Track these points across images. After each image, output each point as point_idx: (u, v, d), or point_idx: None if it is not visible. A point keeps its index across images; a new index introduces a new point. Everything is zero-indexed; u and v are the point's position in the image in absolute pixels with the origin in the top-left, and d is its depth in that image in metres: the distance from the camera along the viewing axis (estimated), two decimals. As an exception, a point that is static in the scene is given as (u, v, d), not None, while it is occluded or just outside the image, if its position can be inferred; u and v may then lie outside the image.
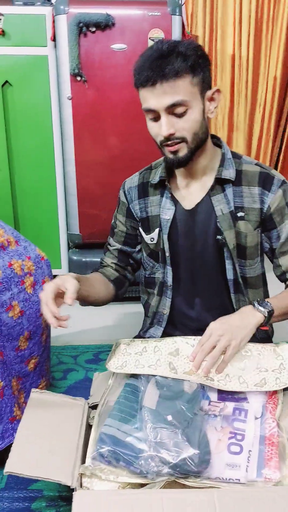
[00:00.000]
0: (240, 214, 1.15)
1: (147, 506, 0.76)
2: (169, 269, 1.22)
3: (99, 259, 1.34)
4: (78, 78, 2.06)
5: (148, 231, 1.23)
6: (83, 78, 2.05)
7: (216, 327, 1.01)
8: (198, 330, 1.21)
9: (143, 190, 1.23)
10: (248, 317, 1.04)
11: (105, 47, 2.03)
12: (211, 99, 1.08)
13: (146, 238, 1.24)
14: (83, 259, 2.22)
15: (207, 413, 0.94)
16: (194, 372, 0.98)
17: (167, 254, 1.20)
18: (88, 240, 2.25)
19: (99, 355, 1.73)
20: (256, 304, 1.06)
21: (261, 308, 1.05)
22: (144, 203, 1.23)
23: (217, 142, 1.19)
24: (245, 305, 1.16)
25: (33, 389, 1.00)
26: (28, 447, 0.87)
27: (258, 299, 1.08)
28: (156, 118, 1.04)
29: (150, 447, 0.84)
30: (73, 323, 1.96)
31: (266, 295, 1.28)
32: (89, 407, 0.99)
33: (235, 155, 1.18)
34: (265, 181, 1.14)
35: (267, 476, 0.84)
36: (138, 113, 2.16)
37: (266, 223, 1.16)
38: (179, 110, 1.02)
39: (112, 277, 1.26)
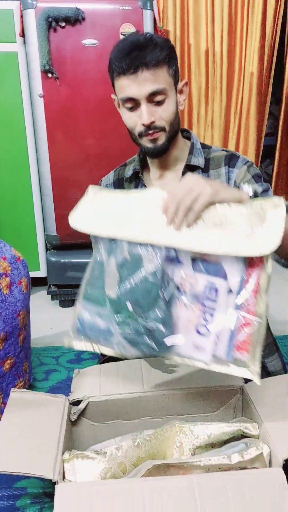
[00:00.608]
0: None
1: (129, 495, 0.80)
2: None
3: (77, 260, 1.37)
4: (49, 75, 2.08)
5: None
6: (54, 75, 2.08)
7: (192, 177, 0.91)
8: None
9: (119, 185, 1.29)
10: (232, 188, 1.05)
11: (76, 43, 2.06)
12: (181, 91, 1.16)
13: None
14: (62, 260, 2.26)
15: (178, 288, 0.90)
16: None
17: None
18: (66, 241, 2.28)
19: (81, 355, 1.77)
20: (242, 184, 1.04)
21: (246, 187, 0.95)
22: None
23: (187, 134, 1.27)
24: None
25: (12, 389, 1.04)
26: (10, 445, 0.91)
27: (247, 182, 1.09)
28: (134, 107, 1.10)
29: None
30: (55, 324, 2.02)
31: (269, 332, 1.33)
32: (70, 403, 1.04)
33: (205, 146, 1.25)
34: (231, 160, 1.21)
35: (236, 357, 0.87)
36: (112, 110, 2.20)
37: None
38: (159, 98, 1.08)
39: None
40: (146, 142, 1.14)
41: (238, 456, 0.91)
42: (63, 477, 0.88)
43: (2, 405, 1.22)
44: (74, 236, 2.30)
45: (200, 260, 0.90)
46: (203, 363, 0.91)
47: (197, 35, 2.64)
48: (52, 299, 2.28)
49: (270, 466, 0.90)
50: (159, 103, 1.10)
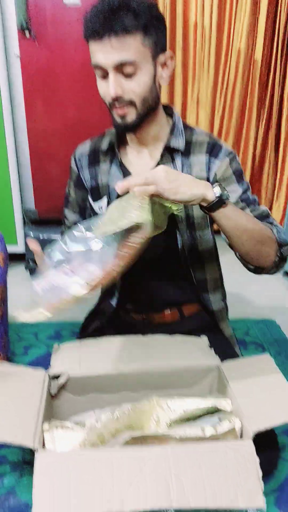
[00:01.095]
0: None
1: (107, 463, 0.89)
2: None
3: (56, 236, 1.43)
4: (27, 35, 2.03)
5: (96, 200, 1.30)
6: (32, 34, 2.03)
7: (165, 169, 0.94)
8: (150, 304, 1.35)
9: (94, 157, 1.29)
10: (200, 185, 0.98)
11: (57, 2, 2.03)
12: (164, 64, 1.13)
13: (95, 206, 1.30)
14: (40, 236, 2.27)
15: None
16: None
17: None
18: (45, 215, 2.29)
19: (60, 331, 1.85)
20: (215, 185, 1.00)
21: (217, 189, 0.98)
22: (94, 172, 1.29)
23: (169, 112, 1.25)
24: (193, 277, 1.29)
25: (-8, 363, 1.12)
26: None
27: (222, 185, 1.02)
28: (105, 76, 1.08)
29: None
30: (33, 300, 2.08)
31: (219, 269, 1.39)
32: (50, 377, 1.12)
33: (187, 127, 1.24)
34: (213, 149, 1.20)
35: None
36: (92, 74, 2.22)
37: None
38: (128, 70, 1.05)
39: None
40: (115, 116, 1.13)
41: (212, 429, 1.02)
42: (43, 446, 0.98)
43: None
44: (53, 211, 2.31)
45: None
46: None
47: (187, 6, 2.64)
48: (30, 274, 2.33)
49: (241, 438, 1.01)
50: (130, 76, 1.06)
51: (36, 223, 2.38)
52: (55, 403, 1.14)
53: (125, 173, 1.25)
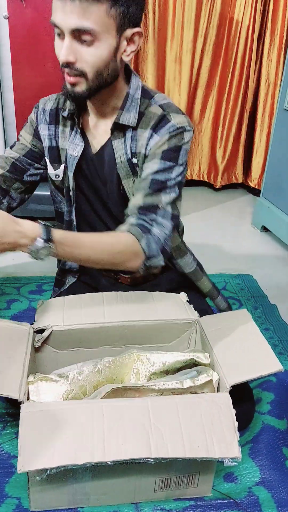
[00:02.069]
0: (134, 160, 1.09)
1: (90, 413, 0.85)
2: (73, 208, 1.19)
3: (40, 193, 1.32)
4: (14, -5, 1.94)
5: (54, 163, 1.17)
6: (19, -5, 1.94)
7: None
8: None
9: (56, 117, 1.15)
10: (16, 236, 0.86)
11: None
12: (130, 40, 0.97)
13: (51, 174, 1.18)
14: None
15: None
16: None
17: (71, 193, 1.17)
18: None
19: (42, 286, 1.78)
20: (42, 227, 0.88)
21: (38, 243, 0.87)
22: (54, 131, 1.15)
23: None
24: None
25: (-23, 316, 1.05)
26: (-25, 368, 0.93)
27: (47, 224, 0.90)
28: (62, 36, 0.94)
29: None
30: (16, 255, 2.00)
31: (178, 236, 1.27)
32: (34, 331, 1.06)
33: (147, 96, 1.08)
34: (158, 124, 1.05)
35: None
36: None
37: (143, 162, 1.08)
38: (85, 38, 0.91)
39: None
40: (66, 82, 0.98)
41: (190, 381, 0.97)
42: (28, 398, 0.92)
43: None
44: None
45: None
46: None
47: None
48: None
49: (218, 390, 0.97)
50: (86, 43, 0.92)
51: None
52: (39, 356, 1.09)
53: (86, 142, 1.12)
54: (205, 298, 1.36)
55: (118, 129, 1.07)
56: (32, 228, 0.87)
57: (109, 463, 0.80)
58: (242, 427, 1.12)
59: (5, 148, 2.20)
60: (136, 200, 1.05)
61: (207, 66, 2.73)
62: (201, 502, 0.96)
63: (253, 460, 1.06)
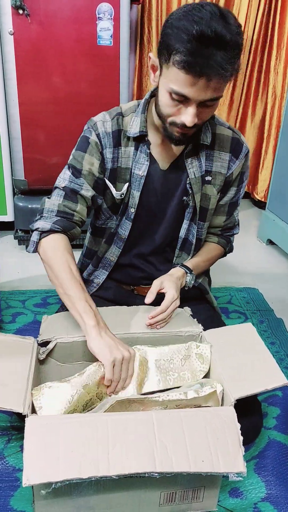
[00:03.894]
0: (208, 178, 1.19)
1: (94, 427, 0.86)
2: (128, 223, 1.22)
3: None
4: (20, 11, 1.97)
5: (114, 183, 1.19)
6: (25, 12, 1.98)
7: (175, 294, 1.13)
8: (140, 278, 1.31)
9: (118, 138, 1.16)
10: (179, 282, 1.18)
11: None
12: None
13: (116, 193, 1.19)
14: (29, 206, 2.23)
15: None
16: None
17: (132, 210, 1.20)
18: (34, 186, 2.25)
19: (47, 299, 1.80)
20: (188, 275, 1.21)
21: (188, 281, 1.21)
22: (117, 153, 1.16)
23: None
24: (181, 261, 1.27)
25: (-18, 330, 1.07)
26: (-19, 381, 0.95)
27: (189, 270, 1.22)
28: (182, 101, 0.97)
29: None
30: (22, 269, 2.03)
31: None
32: (39, 344, 1.08)
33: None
34: (236, 148, 1.19)
35: None
36: (84, 52, 2.12)
37: (224, 186, 1.23)
38: (212, 103, 0.99)
39: (77, 233, 1.17)
40: (174, 132, 1.04)
41: (194, 392, 0.99)
42: (33, 410, 0.93)
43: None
44: (42, 181, 2.28)
45: None
46: None
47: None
48: (19, 243, 2.27)
49: (222, 404, 0.98)
50: (208, 106, 0.99)
51: (26, 193, 2.31)
52: (43, 370, 1.10)
53: (152, 161, 1.17)
54: (215, 311, 1.39)
55: (193, 147, 1.16)
56: (183, 282, 1.22)
57: (114, 477, 0.82)
58: (250, 440, 1.13)
59: (11, 164, 2.26)
60: (218, 222, 1.32)
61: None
62: (206, 517, 0.96)
63: (259, 476, 1.06)
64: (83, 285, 1.07)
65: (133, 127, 1.14)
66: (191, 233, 1.25)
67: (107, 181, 1.19)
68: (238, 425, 0.90)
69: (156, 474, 0.83)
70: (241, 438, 0.88)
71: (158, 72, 1.01)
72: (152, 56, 1.02)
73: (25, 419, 0.88)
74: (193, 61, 0.89)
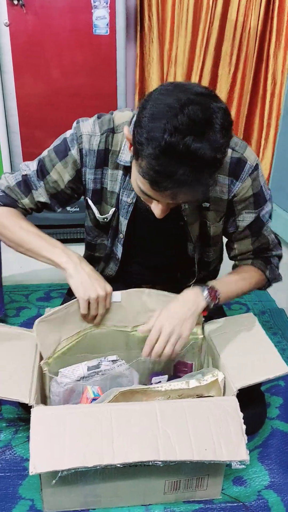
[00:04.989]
0: (205, 204, 1.10)
1: (98, 416, 0.89)
2: (119, 246, 1.19)
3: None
4: (15, 2, 1.96)
5: (98, 204, 1.14)
6: (20, 2, 1.97)
7: (164, 324, 1.00)
8: (143, 282, 1.25)
9: (104, 158, 1.09)
10: (193, 306, 1.03)
11: None
12: None
13: (99, 216, 1.16)
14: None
15: None
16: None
17: (121, 236, 1.16)
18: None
19: (50, 293, 1.83)
20: (205, 294, 1.05)
21: (209, 300, 1.05)
22: (101, 174, 1.11)
23: None
24: (194, 277, 1.22)
25: (-13, 323, 1.10)
26: (-13, 373, 0.97)
27: (209, 287, 1.06)
28: (151, 197, 0.91)
29: None
30: (24, 263, 2.05)
31: (221, 247, 1.30)
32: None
33: None
34: (236, 169, 1.05)
35: None
36: (80, 42, 2.12)
37: (228, 208, 1.12)
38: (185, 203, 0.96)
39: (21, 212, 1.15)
40: (151, 211, 0.96)
41: (196, 381, 1.01)
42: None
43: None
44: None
45: None
46: None
47: None
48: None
49: (224, 393, 1.01)
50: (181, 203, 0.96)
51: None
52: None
53: None
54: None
55: None
56: (202, 303, 1.06)
57: (118, 465, 0.85)
58: (254, 431, 1.15)
59: (10, 158, 2.26)
60: (244, 247, 1.19)
61: (208, 68, 2.77)
62: (210, 505, 0.99)
63: (262, 464, 1.09)
64: (42, 233, 1.09)
65: (124, 152, 1.06)
66: (197, 255, 1.20)
67: (89, 201, 1.15)
68: (241, 415, 0.92)
69: (160, 463, 0.86)
70: (244, 427, 0.91)
71: (132, 151, 0.90)
72: (126, 132, 0.92)
73: (31, 409, 0.90)
74: (157, 178, 0.81)
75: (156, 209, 0.92)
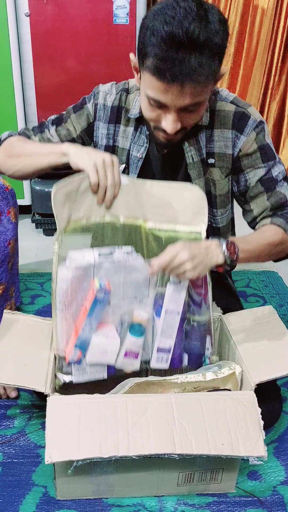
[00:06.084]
0: (211, 160, 1.09)
1: (114, 407, 0.87)
2: None
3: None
4: (36, -8, 1.96)
5: None
6: (41, -8, 1.97)
7: (180, 250, 0.91)
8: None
9: (117, 115, 1.11)
10: (213, 255, 0.94)
11: None
12: (217, 80, 0.96)
13: None
14: (46, 190, 2.21)
15: None
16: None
17: None
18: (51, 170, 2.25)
19: (65, 282, 1.81)
20: (224, 248, 0.95)
21: (227, 255, 0.94)
22: (113, 130, 1.13)
23: None
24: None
25: (5, 311, 1.08)
26: (4, 361, 0.96)
27: (229, 241, 0.96)
28: (161, 107, 0.92)
29: None
30: (39, 252, 2.04)
31: (232, 211, 1.24)
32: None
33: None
34: (239, 123, 1.06)
35: None
36: (100, 33, 2.09)
37: (235, 166, 1.10)
38: (194, 108, 0.92)
39: None
40: (160, 137, 0.99)
41: (212, 374, 0.98)
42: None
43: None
44: (59, 166, 2.28)
45: None
46: None
47: None
48: (37, 227, 2.27)
49: (241, 386, 0.98)
50: (191, 111, 0.92)
51: (42, 177, 2.28)
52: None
53: (151, 144, 1.10)
54: (234, 296, 1.36)
55: (192, 130, 1.04)
56: (220, 256, 0.95)
57: (134, 457, 0.82)
58: (268, 426, 1.12)
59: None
60: (260, 204, 1.11)
61: (230, 55, 2.70)
62: (224, 498, 0.97)
63: (278, 459, 1.06)
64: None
65: (135, 107, 1.10)
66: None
67: None
68: (259, 410, 0.90)
69: (176, 456, 0.84)
70: (262, 422, 0.88)
71: (138, 75, 0.96)
72: (132, 57, 0.96)
73: (47, 398, 0.89)
74: (163, 67, 0.84)
75: (168, 122, 0.93)
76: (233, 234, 1.28)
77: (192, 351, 1.06)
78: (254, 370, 0.96)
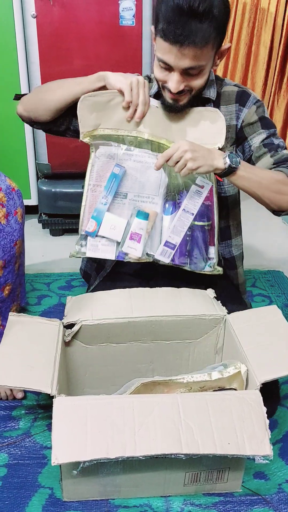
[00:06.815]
0: None
1: (120, 408, 0.87)
2: None
3: (68, 190, 1.33)
4: (42, -6, 1.96)
5: None
6: (47, -6, 1.96)
7: (186, 144, 1.03)
8: None
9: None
10: (214, 156, 1.05)
11: None
12: (221, 54, 1.10)
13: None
14: (53, 190, 2.21)
15: None
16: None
17: None
18: (58, 170, 2.23)
19: (71, 282, 1.80)
20: (226, 156, 1.05)
21: (227, 160, 1.04)
22: None
23: None
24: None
25: (10, 313, 1.07)
26: (10, 363, 0.95)
27: (233, 153, 1.07)
28: (168, 69, 1.05)
29: None
30: (46, 252, 2.03)
31: (240, 213, 1.34)
32: (64, 326, 1.08)
33: (218, 78, 1.23)
34: (242, 98, 1.20)
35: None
36: (106, 35, 2.09)
37: (239, 136, 1.22)
38: (195, 72, 1.04)
39: None
40: (167, 97, 1.11)
41: (218, 373, 0.97)
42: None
43: (1, 327, 1.26)
44: (66, 166, 2.27)
45: None
46: None
47: None
48: (43, 227, 2.27)
49: (247, 386, 0.97)
50: (195, 75, 1.06)
51: (49, 178, 2.29)
52: (69, 352, 1.11)
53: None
54: (238, 291, 1.36)
55: (200, 103, 1.18)
56: (221, 160, 1.05)
57: (141, 457, 0.82)
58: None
59: (35, 148, 2.25)
60: (265, 162, 1.18)
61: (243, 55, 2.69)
62: (230, 498, 0.96)
63: (283, 459, 1.05)
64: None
65: (153, 87, 1.22)
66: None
67: None
68: (264, 409, 0.89)
69: (183, 456, 0.83)
70: (267, 421, 0.87)
71: (155, 42, 1.08)
72: (152, 28, 1.09)
73: (53, 400, 0.88)
74: (168, 29, 0.98)
75: (172, 82, 1.05)
76: (239, 209, 1.34)
77: (193, 253, 1.16)
78: (259, 369, 0.95)
